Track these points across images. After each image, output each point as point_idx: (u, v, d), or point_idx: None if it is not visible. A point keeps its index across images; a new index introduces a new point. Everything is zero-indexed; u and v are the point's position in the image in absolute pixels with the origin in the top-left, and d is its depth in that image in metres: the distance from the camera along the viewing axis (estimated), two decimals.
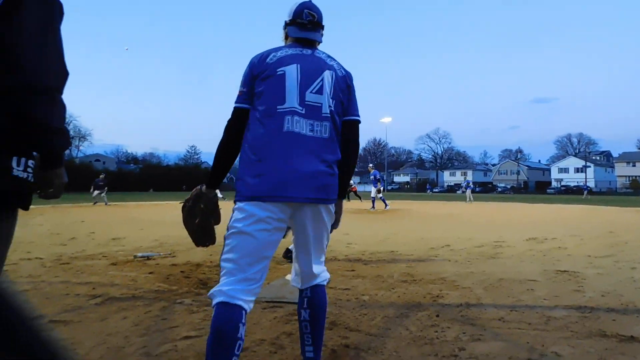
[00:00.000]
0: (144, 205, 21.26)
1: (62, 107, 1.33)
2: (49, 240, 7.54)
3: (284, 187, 1.78)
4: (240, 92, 1.92)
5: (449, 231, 9.63)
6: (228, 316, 1.74)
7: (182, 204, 2.11)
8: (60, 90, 1.33)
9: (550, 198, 42.46)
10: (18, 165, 1.30)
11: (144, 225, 10.92)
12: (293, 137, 1.82)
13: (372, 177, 19.01)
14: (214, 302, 1.83)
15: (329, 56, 2.06)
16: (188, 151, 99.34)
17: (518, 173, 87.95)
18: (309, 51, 2.00)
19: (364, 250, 6.58)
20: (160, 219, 12.81)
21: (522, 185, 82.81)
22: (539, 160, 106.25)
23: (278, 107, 1.83)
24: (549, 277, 4.53)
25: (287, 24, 2.07)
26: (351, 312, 3.24)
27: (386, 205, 18.78)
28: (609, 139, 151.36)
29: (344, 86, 2.01)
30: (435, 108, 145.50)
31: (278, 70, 1.87)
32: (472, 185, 30.49)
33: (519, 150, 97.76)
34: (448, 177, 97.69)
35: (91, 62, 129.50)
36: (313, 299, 2.04)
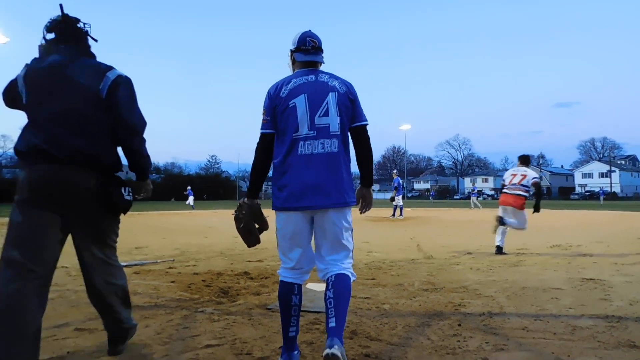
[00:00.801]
0: (166, 214, 21.52)
1: (145, 141, 2.47)
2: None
3: (299, 199, 2.30)
4: (264, 120, 2.41)
5: (471, 238, 9.52)
6: (282, 290, 2.42)
7: (233, 214, 2.54)
8: (143, 132, 2.45)
9: (575, 204, 41.54)
10: (125, 192, 2.43)
11: (166, 234, 11.06)
12: (305, 158, 2.31)
13: (395, 183, 18.47)
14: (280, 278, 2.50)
15: (331, 76, 2.47)
16: (209, 160, 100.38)
17: (540, 179, 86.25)
18: (313, 77, 2.42)
19: (384, 258, 6.55)
20: (181, 228, 12.97)
21: (545, 191, 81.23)
22: (562, 166, 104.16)
23: (293, 134, 2.33)
24: (574, 285, 4.44)
25: (292, 52, 2.52)
26: (372, 321, 3.22)
27: (400, 214, 18.25)
28: (634, 143, 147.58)
29: (347, 102, 2.43)
30: (454, 114, 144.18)
31: (290, 103, 2.34)
32: (477, 193, 30.33)
33: (541, 156, 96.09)
34: (469, 184, 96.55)
35: None
36: (336, 283, 2.33)
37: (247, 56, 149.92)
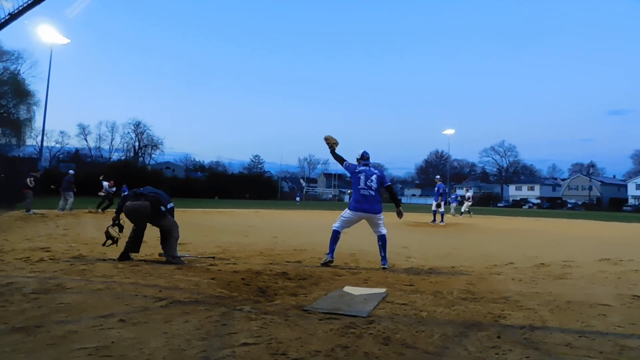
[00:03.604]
0: (209, 212, 22.01)
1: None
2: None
3: (359, 209, 6.22)
4: (348, 164, 6.49)
5: (513, 248, 9.24)
6: (335, 233, 6.23)
7: None
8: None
9: (627, 216, 39.49)
10: (165, 208, 6.15)
11: (209, 231, 11.32)
12: (363, 194, 6.21)
13: (437, 188, 17.90)
14: (333, 228, 6.32)
15: (375, 167, 6.47)
16: (252, 160, 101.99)
17: (590, 189, 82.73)
18: (368, 167, 6.38)
19: (423, 264, 6.46)
20: (223, 227, 13.24)
21: (595, 202, 77.61)
22: (614, 176, 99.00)
23: (358, 187, 6.25)
24: (623, 302, 4.22)
25: (358, 159, 6.53)
26: (408, 328, 3.18)
27: (442, 220, 17.71)
28: None
29: (380, 177, 6.31)
30: (500, 120, 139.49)
31: (360, 174, 6.29)
32: (456, 199, 28.90)
33: (592, 165, 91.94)
34: (514, 192, 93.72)
35: (161, 75, 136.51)
36: (379, 238, 6.20)
37: (298, 67, 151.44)
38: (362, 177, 6.22)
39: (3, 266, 5.21)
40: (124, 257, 6.00)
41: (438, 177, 19.04)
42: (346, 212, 6.33)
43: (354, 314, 3.48)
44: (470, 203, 27.00)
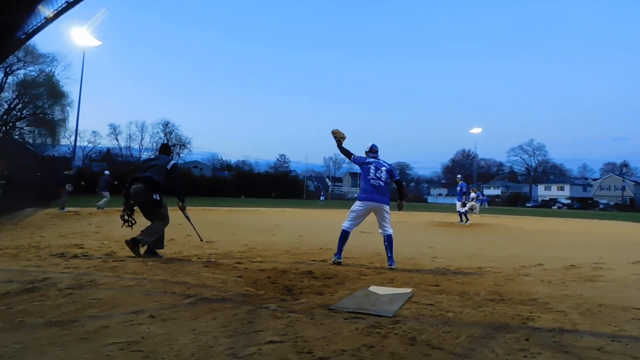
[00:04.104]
0: (236, 211, 22.26)
1: (181, 192, 6.56)
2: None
3: (368, 198, 6.15)
4: (355, 156, 6.43)
5: (542, 249, 9.04)
6: (344, 233, 6.17)
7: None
8: (182, 189, 6.56)
9: None
10: (157, 195, 6.23)
11: (235, 230, 11.46)
12: (372, 184, 6.18)
13: (458, 188, 17.68)
14: (343, 227, 6.22)
15: (385, 161, 6.41)
16: (278, 159, 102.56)
17: (623, 189, 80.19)
18: (377, 160, 6.39)
19: (449, 265, 6.39)
20: (249, 226, 13.37)
21: (628, 203, 75.13)
22: None
23: (368, 177, 6.24)
24: None
25: (367, 152, 6.54)
26: (434, 328, 3.16)
27: (467, 220, 17.44)
28: None
29: (390, 171, 6.33)
30: (529, 118, 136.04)
31: (370, 165, 6.29)
32: (483, 197, 28.53)
33: (625, 164, 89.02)
34: (543, 192, 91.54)
35: (189, 75, 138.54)
36: (385, 238, 6.08)
37: (324, 66, 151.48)
38: (372, 168, 6.19)
39: (40, 262, 5.40)
40: (151, 253, 6.10)
41: (459, 176, 18.67)
42: (355, 205, 6.24)
43: (380, 314, 3.48)
44: (473, 203, 26.41)
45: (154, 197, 6.17)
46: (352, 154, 6.39)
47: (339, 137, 6.44)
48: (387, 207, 6.17)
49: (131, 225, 6.37)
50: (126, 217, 6.31)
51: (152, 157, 7.10)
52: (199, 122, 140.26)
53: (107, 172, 19.40)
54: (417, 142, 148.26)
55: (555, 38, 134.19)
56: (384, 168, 6.24)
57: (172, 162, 6.55)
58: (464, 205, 17.38)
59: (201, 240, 7.35)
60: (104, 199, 17.91)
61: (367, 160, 6.33)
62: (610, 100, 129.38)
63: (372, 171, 6.19)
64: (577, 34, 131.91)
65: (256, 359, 2.46)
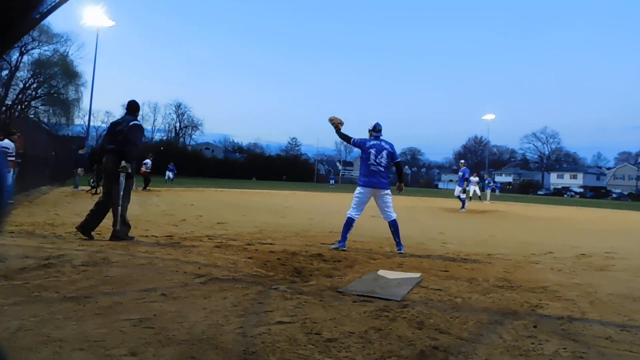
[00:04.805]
0: (247, 193, 22.39)
1: (129, 154, 5.71)
2: (164, 220, 8.28)
3: (369, 183, 6.06)
4: (355, 140, 6.28)
5: (553, 237, 8.99)
6: (349, 220, 6.01)
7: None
8: (129, 151, 5.74)
9: None
10: (122, 162, 5.62)
11: (247, 211, 11.55)
12: (372, 170, 6.06)
13: (460, 173, 17.21)
14: (348, 215, 6.06)
15: (386, 142, 6.22)
16: (289, 142, 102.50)
17: (638, 178, 79.02)
18: (379, 141, 6.19)
19: (459, 250, 6.39)
20: (261, 207, 13.45)
21: None
22: None
23: (368, 162, 6.08)
24: None
25: (370, 130, 6.29)
26: (442, 313, 3.18)
27: (463, 206, 16.92)
28: None
29: (391, 154, 6.18)
30: (543, 105, 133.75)
31: (370, 149, 6.10)
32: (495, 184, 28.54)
33: None
34: (555, 180, 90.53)
35: (202, 57, 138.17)
36: (390, 224, 6.05)
37: (337, 48, 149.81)
38: (373, 152, 6.06)
39: (55, 239, 5.50)
40: (84, 230, 5.67)
41: (463, 161, 18.52)
42: (357, 192, 6.14)
43: (388, 298, 3.50)
44: (474, 188, 26.14)
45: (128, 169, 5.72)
46: (352, 138, 6.26)
47: (336, 124, 6.34)
48: (387, 191, 6.09)
49: (93, 192, 6.13)
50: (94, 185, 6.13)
51: (118, 119, 6.17)
52: (211, 104, 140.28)
53: None
54: (430, 128, 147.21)
55: (572, 25, 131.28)
56: (385, 152, 6.09)
57: (133, 122, 5.85)
58: (464, 191, 17.16)
59: (115, 229, 5.74)
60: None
61: (369, 143, 6.13)
62: (626, 89, 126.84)
63: (372, 156, 6.06)
64: (595, 21, 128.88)
65: (265, 339, 2.50)
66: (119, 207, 5.69)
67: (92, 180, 6.30)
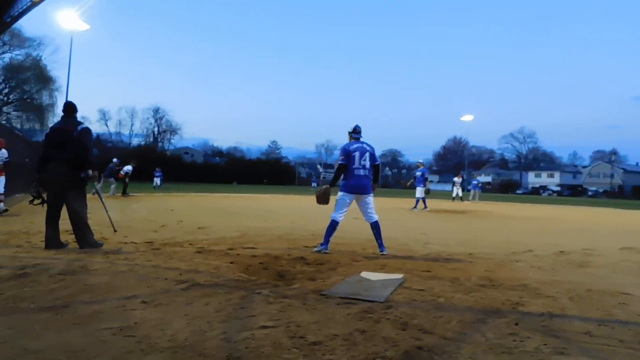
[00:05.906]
0: (229, 197, 22.22)
1: (92, 162, 5.52)
2: (144, 226, 8.16)
3: (354, 189, 6.03)
4: (342, 158, 6.06)
5: (533, 235, 9.14)
6: (333, 222, 5.98)
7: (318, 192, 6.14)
8: (91, 159, 5.53)
9: None
10: (84, 174, 5.46)
11: (229, 216, 11.45)
12: (357, 174, 6.01)
13: (419, 173, 17.02)
14: (332, 218, 6.02)
15: (367, 144, 6.19)
16: (270, 146, 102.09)
17: (612, 176, 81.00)
18: (361, 143, 6.17)
19: (441, 251, 6.44)
20: (243, 211, 13.36)
21: (617, 190, 75.81)
22: (637, 163, 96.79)
23: (353, 167, 6.00)
24: None
25: (350, 132, 6.30)
26: (426, 313, 3.19)
27: (415, 206, 17.12)
28: None
29: (373, 155, 6.17)
30: (520, 106, 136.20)
31: (353, 153, 6.02)
32: (480, 185, 30.58)
33: (614, 152, 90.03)
34: (533, 179, 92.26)
35: (180, 62, 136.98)
36: (372, 226, 6.07)
37: (315, 50, 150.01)
38: (357, 156, 6.00)
39: (31, 248, 5.38)
40: (52, 244, 5.52)
41: (420, 161, 18.10)
42: (341, 196, 6.06)
43: (372, 299, 3.50)
44: (459, 188, 26.97)
45: (82, 175, 5.49)
46: (338, 164, 6.07)
47: (327, 196, 6.15)
48: (370, 195, 6.09)
49: (42, 204, 5.82)
50: (36, 196, 5.83)
51: (59, 124, 5.75)
52: (190, 108, 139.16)
53: (115, 159, 19.38)
54: (409, 130, 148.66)
55: (547, 25, 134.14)
56: (367, 154, 6.06)
57: (81, 126, 5.58)
58: (427, 192, 17.07)
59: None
60: (112, 185, 18.43)
61: (352, 147, 6.06)
62: (601, 89, 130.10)
63: (356, 159, 6.00)
64: (569, 22, 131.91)
65: (249, 344, 2.48)
66: (85, 215, 5.57)
67: (33, 189, 5.69)
